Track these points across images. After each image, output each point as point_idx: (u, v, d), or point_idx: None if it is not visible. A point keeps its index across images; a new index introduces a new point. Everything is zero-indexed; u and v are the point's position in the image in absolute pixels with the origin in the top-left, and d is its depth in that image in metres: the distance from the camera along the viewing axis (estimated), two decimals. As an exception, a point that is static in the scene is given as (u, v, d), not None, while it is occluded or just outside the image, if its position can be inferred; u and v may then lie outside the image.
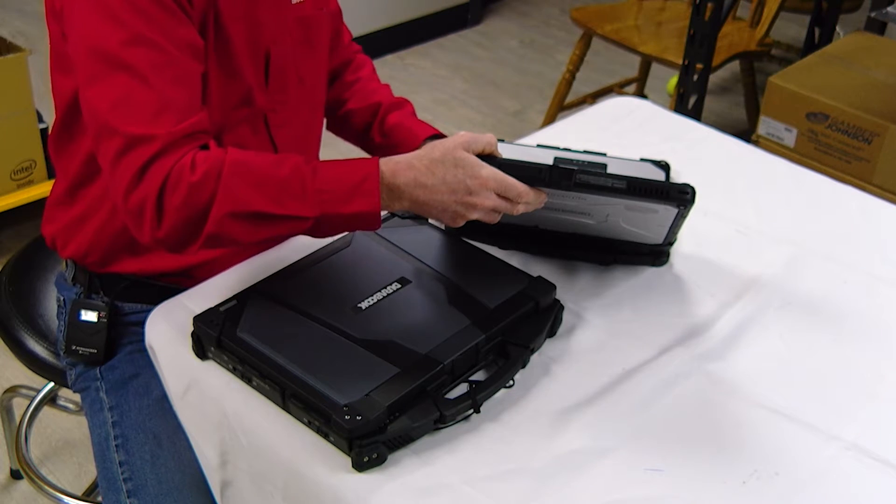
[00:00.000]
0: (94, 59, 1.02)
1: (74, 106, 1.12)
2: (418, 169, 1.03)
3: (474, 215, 1.04)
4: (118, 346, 1.26)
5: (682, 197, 1.05)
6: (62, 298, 1.31)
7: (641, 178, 1.04)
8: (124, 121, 1.00)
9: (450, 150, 1.03)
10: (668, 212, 1.09)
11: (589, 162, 1.34)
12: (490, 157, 1.05)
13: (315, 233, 1.05)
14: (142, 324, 1.16)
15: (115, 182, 1.02)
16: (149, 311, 1.14)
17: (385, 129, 1.33)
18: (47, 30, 1.13)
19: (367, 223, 1.04)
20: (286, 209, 1.01)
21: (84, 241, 1.23)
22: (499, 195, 1.03)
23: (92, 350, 1.24)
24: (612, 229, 1.19)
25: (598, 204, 1.10)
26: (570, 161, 1.31)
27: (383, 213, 1.07)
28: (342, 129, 1.39)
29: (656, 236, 1.20)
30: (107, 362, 1.26)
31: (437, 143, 1.05)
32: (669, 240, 1.20)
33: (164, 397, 1.14)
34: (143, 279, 1.25)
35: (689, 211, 1.08)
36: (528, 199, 1.05)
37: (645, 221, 1.14)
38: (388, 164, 1.03)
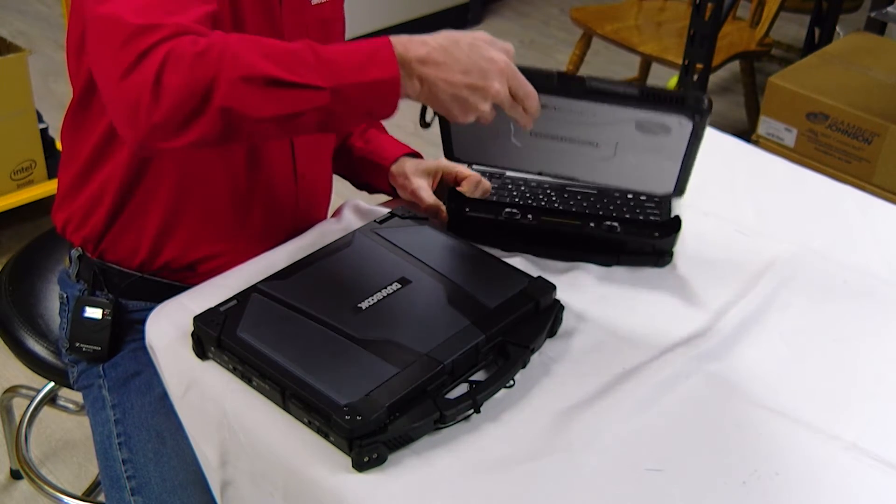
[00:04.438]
0: None
1: (92, 83, 1.10)
2: (431, 45, 0.97)
3: (483, 105, 0.99)
4: (121, 343, 1.26)
5: (697, 106, 1.00)
6: (65, 295, 1.31)
7: (654, 87, 1.02)
8: (135, 14, 0.94)
9: (468, 34, 0.99)
10: (682, 129, 1.04)
11: None
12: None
13: (334, 113, 0.97)
14: (145, 321, 1.16)
15: (110, 72, 0.94)
16: (152, 307, 1.14)
17: (366, 135, 1.34)
18: (67, 10, 1.12)
19: (386, 96, 0.97)
20: (300, 76, 0.93)
21: (98, 222, 1.22)
22: (512, 86, 0.99)
23: (96, 347, 1.24)
24: (621, 173, 1.15)
25: (607, 125, 1.06)
26: None
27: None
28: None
29: (668, 180, 1.15)
30: (109, 360, 1.26)
31: (454, 31, 0.99)
32: (680, 187, 1.16)
33: (166, 395, 1.14)
34: (148, 276, 1.25)
35: (703, 129, 1.03)
36: (532, 101, 1.00)
37: (657, 150, 1.09)
38: (399, 39, 0.97)
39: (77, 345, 1.24)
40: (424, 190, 1.29)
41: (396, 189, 1.35)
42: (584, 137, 1.10)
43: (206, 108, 0.92)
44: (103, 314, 1.24)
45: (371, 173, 1.38)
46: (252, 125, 0.95)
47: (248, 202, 1.23)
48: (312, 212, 1.33)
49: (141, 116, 0.92)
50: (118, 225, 1.22)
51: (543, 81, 1.00)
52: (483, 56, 0.98)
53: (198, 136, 0.94)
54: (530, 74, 1.01)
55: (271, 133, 0.99)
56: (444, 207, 1.26)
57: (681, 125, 1.04)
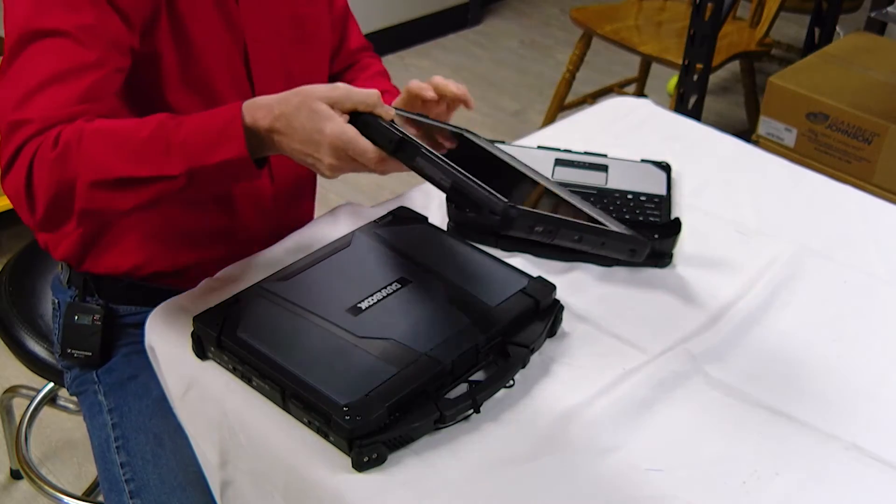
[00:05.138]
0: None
1: None
2: (275, 114, 0.97)
3: (327, 172, 0.98)
4: (114, 348, 1.26)
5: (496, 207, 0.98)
6: (57, 301, 1.31)
7: (468, 179, 0.99)
8: (13, 106, 0.98)
9: (309, 99, 0.96)
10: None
11: (591, 160, 1.34)
12: (369, 116, 0.98)
13: (195, 191, 0.99)
14: (137, 325, 1.16)
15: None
16: (144, 312, 1.14)
17: None
18: None
19: (240, 172, 0.99)
20: (152, 170, 0.96)
21: (76, 246, 1.23)
22: (344, 158, 0.97)
23: (87, 353, 1.24)
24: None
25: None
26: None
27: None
28: None
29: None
30: (103, 365, 1.25)
31: (306, 87, 0.98)
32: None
33: (163, 397, 1.14)
34: (138, 281, 1.25)
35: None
36: (373, 163, 0.97)
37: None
38: (249, 107, 0.98)
39: (69, 350, 1.25)
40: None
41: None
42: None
43: (71, 211, 0.98)
44: (93, 320, 1.24)
45: None
46: (119, 215, 1.01)
47: (228, 208, 1.22)
48: (294, 210, 1.32)
49: (25, 214, 1.00)
50: (98, 247, 1.22)
51: (384, 143, 0.97)
52: (315, 128, 0.96)
53: (79, 226, 1.00)
54: (376, 131, 0.97)
55: (147, 209, 1.01)
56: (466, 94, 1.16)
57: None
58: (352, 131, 0.96)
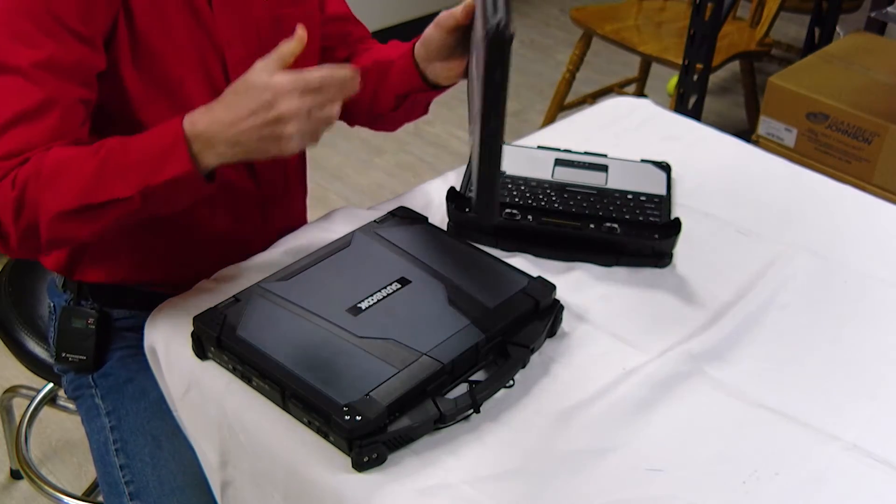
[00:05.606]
0: None
1: None
2: (215, 109, 0.96)
3: (291, 128, 0.93)
4: (109, 352, 1.26)
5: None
6: (52, 305, 1.31)
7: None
8: None
9: (242, 80, 0.95)
10: None
11: (588, 163, 1.34)
12: None
13: (154, 209, 1.00)
14: (132, 329, 1.16)
15: None
16: (138, 316, 1.14)
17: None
18: None
19: (192, 187, 0.98)
20: (105, 195, 0.97)
21: (65, 260, 1.23)
22: (303, 93, 0.93)
23: (81, 357, 1.24)
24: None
25: None
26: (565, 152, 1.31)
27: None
28: (366, 112, 1.31)
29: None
30: (98, 369, 1.25)
31: (236, 80, 0.97)
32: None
33: (160, 400, 1.14)
34: (132, 287, 1.24)
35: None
36: (335, 80, 0.94)
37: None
38: (190, 116, 0.96)
39: (63, 354, 1.25)
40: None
41: (433, 50, 1.23)
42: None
43: (39, 242, 1.00)
44: (88, 323, 1.24)
45: (405, 76, 1.25)
46: (85, 238, 1.03)
47: (214, 214, 1.21)
48: (284, 212, 1.31)
49: (2, 248, 1.03)
50: (86, 259, 1.22)
51: None
52: (260, 88, 0.93)
53: (51, 252, 1.04)
54: None
55: (112, 231, 1.03)
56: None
57: None
58: (295, 72, 0.93)
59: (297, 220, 1.36)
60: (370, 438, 0.91)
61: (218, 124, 0.95)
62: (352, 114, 1.33)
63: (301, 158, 1.34)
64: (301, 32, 0.96)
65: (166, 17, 1.09)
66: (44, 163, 0.98)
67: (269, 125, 0.94)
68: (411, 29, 3.89)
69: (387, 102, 1.27)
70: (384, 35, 1.47)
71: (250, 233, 1.26)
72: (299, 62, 1.23)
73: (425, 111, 1.33)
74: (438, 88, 1.24)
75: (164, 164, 0.96)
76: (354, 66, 0.98)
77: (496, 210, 1.01)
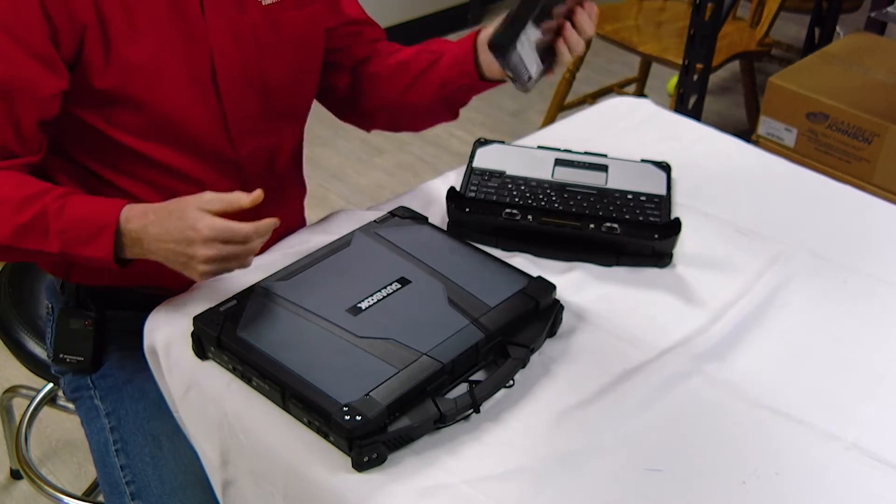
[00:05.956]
0: None
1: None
2: (150, 219, 1.03)
3: (201, 267, 1.02)
4: (107, 353, 1.26)
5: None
6: (50, 306, 1.31)
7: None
8: None
9: (182, 204, 1.02)
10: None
11: (588, 163, 1.34)
12: None
13: (68, 260, 1.08)
14: (130, 330, 1.16)
15: None
16: (136, 317, 1.14)
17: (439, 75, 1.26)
18: None
19: (105, 265, 1.06)
20: (31, 244, 1.05)
21: (60, 266, 1.24)
22: (225, 242, 1.01)
23: (79, 358, 1.24)
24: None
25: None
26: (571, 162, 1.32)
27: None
28: (398, 111, 1.34)
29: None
30: (97, 370, 1.25)
31: (182, 198, 1.04)
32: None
33: (160, 400, 1.14)
34: (129, 289, 1.24)
35: None
36: (245, 237, 1.01)
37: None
38: (128, 210, 1.04)
39: (61, 356, 1.25)
40: None
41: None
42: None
43: None
44: (85, 325, 1.24)
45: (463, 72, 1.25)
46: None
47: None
48: (280, 214, 1.30)
49: None
50: (79, 266, 1.22)
51: None
52: (187, 226, 1.01)
53: None
54: None
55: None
56: None
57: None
58: (221, 221, 1.01)
59: (294, 220, 1.35)
60: (370, 438, 0.91)
61: (145, 233, 1.03)
62: (371, 115, 1.34)
63: (294, 160, 1.34)
64: (258, 194, 1.03)
65: (145, 32, 1.08)
66: None
67: (183, 256, 1.03)
68: (411, 29, 3.88)
69: (425, 93, 1.27)
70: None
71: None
72: (300, 66, 1.24)
73: (455, 115, 1.34)
74: (486, 81, 1.24)
75: (88, 244, 1.04)
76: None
77: (513, 42, 1.08)
